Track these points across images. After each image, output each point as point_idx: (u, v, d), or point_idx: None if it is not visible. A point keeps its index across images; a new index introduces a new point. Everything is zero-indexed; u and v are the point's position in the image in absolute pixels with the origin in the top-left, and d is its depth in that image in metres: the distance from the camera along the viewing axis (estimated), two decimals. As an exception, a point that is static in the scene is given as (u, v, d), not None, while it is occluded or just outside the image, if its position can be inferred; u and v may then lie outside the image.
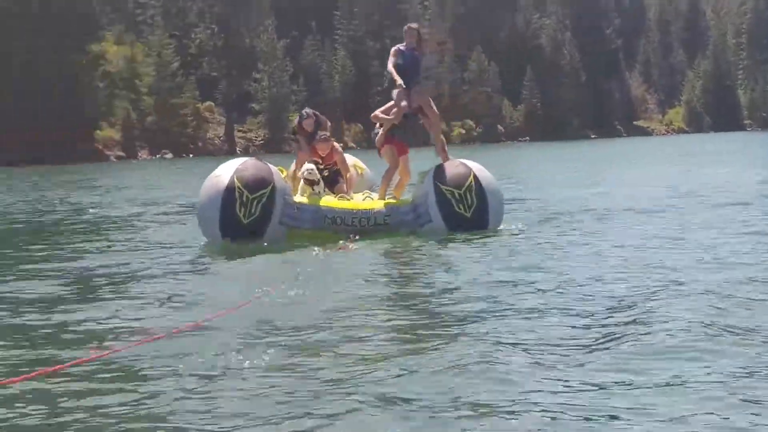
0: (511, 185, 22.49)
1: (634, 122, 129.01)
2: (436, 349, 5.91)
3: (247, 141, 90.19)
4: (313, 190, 12.64)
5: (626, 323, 6.51)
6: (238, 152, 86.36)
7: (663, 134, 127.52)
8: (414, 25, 13.51)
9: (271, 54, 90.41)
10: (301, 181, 12.90)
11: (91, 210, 20.09)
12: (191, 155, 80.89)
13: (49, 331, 6.97)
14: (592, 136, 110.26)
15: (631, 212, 15.14)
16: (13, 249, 13.19)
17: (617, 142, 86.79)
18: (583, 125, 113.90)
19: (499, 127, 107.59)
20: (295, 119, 13.87)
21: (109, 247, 12.72)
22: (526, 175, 30.45)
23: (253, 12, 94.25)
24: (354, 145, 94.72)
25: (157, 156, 79.60)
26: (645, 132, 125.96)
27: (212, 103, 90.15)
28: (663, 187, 21.02)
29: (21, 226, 17.41)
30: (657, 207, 15.89)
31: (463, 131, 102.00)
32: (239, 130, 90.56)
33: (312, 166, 12.76)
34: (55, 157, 64.55)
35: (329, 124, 13.75)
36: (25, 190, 30.67)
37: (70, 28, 75.75)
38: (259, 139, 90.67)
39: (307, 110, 13.69)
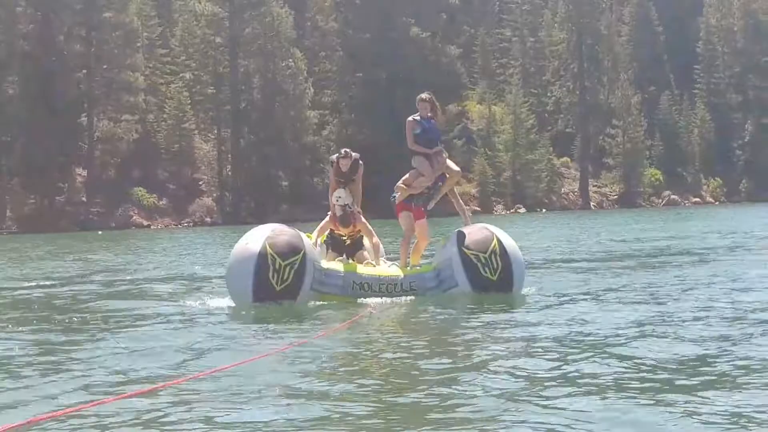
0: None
1: None
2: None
3: (601, 195, 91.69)
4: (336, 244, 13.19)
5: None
6: (592, 207, 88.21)
7: None
8: (425, 96, 13.31)
9: (625, 109, 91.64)
10: (326, 248, 13.29)
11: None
12: (544, 210, 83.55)
13: (151, 348, 8.51)
14: None
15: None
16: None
17: None
18: None
19: None
20: (333, 156, 13.72)
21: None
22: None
23: (609, 68, 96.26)
24: (712, 200, 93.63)
25: (511, 211, 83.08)
26: None
27: (568, 159, 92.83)
28: None
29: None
30: None
31: None
32: (594, 185, 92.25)
33: (343, 193, 13.08)
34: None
35: (361, 168, 13.51)
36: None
37: (436, 88, 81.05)
38: (614, 193, 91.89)
39: (347, 150, 13.57)
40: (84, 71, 71.81)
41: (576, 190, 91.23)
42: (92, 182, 69.41)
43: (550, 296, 12.59)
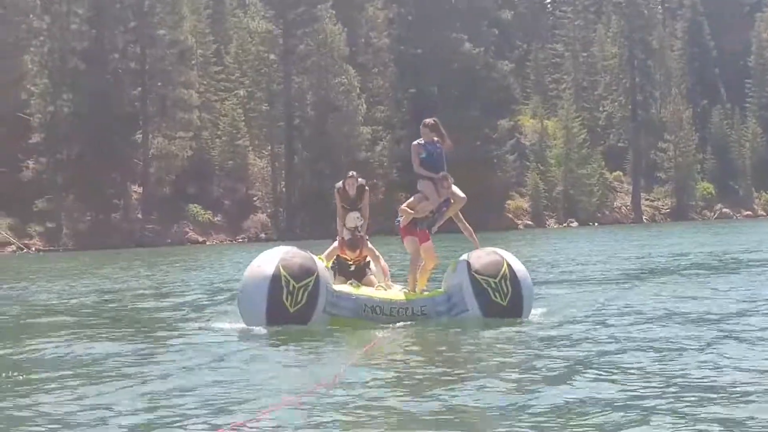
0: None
1: None
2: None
3: (653, 209, 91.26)
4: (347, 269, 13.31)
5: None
6: (644, 220, 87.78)
7: None
8: (428, 122, 13.41)
9: (677, 123, 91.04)
10: (333, 273, 13.30)
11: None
12: (596, 224, 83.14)
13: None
14: None
15: None
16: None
17: None
18: None
19: None
20: (338, 183, 13.85)
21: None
22: None
23: (661, 82, 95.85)
24: (764, 213, 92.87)
25: (563, 225, 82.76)
26: None
27: (620, 173, 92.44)
28: None
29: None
30: None
31: None
32: (646, 199, 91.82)
33: (358, 214, 13.29)
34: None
35: (367, 193, 13.72)
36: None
37: (489, 103, 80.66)
38: (666, 207, 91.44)
39: (353, 173, 13.84)
40: (139, 89, 72.15)
41: (628, 203, 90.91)
42: (147, 199, 69.67)
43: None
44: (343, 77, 74.97)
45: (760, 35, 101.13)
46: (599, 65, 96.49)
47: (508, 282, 12.47)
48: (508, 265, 12.64)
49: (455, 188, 13.12)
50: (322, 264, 12.58)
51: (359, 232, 13.20)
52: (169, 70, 72.27)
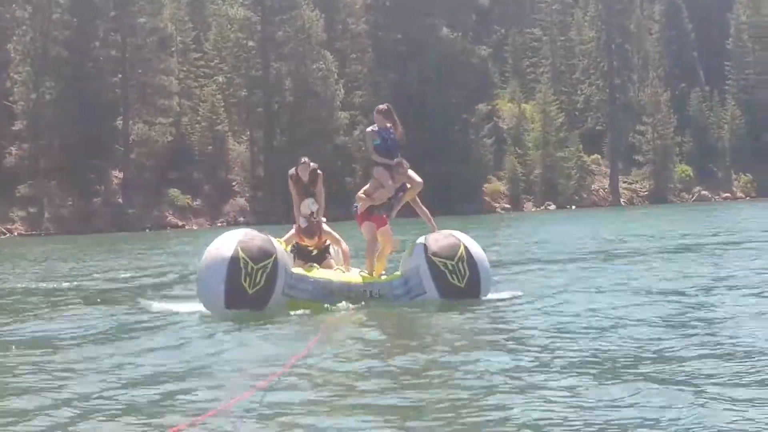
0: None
1: None
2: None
3: (631, 192, 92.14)
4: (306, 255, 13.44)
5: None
6: (623, 203, 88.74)
7: None
8: (382, 108, 13.55)
9: (655, 106, 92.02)
10: (293, 257, 13.40)
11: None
12: (574, 207, 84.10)
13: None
14: None
15: None
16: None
17: None
18: None
19: None
20: (291, 170, 13.76)
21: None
22: None
23: (639, 66, 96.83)
24: (743, 195, 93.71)
25: (541, 208, 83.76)
26: None
27: (598, 156, 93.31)
28: None
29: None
30: None
31: None
32: (624, 182, 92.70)
33: (312, 200, 13.31)
34: (444, 209, 70.50)
35: (320, 178, 13.66)
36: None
37: (467, 88, 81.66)
38: (644, 190, 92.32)
39: (305, 159, 13.70)
40: (119, 76, 73.24)
41: (606, 186, 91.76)
42: (128, 184, 70.87)
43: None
44: (321, 63, 76.02)
45: (739, 17, 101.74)
46: (577, 49, 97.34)
47: (465, 264, 12.52)
48: (465, 247, 12.68)
49: (411, 172, 13.22)
50: (281, 246, 12.61)
51: (315, 218, 13.20)
52: (149, 58, 73.49)
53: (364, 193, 13.18)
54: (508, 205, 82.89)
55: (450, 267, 12.53)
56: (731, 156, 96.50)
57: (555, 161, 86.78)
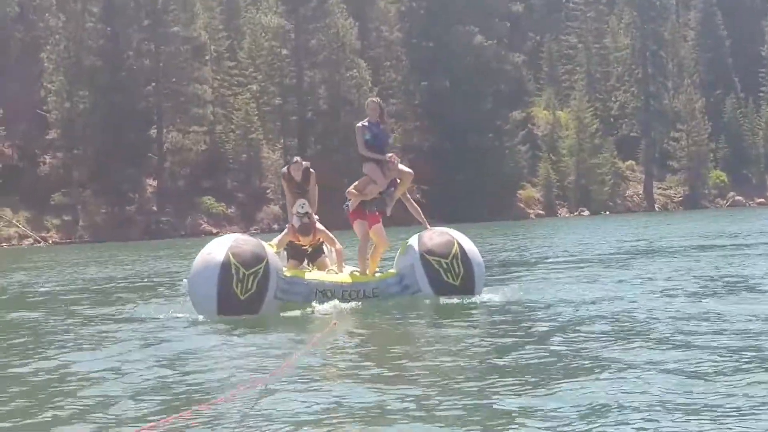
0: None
1: None
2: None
3: (666, 198, 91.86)
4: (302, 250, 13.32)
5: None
6: (657, 209, 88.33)
7: None
8: (375, 99, 13.67)
9: (690, 113, 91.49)
10: (286, 257, 13.37)
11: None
12: (608, 212, 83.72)
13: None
14: None
15: None
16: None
17: None
18: None
19: None
20: (283, 168, 13.85)
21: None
22: None
23: (674, 72, 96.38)
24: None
25: (575, 214, 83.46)
26: None
27: (633, 162, 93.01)
28: None
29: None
30: None
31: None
32: (658, 188, 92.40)
33: (304, 201, 13.09)
34: (476, 216, 70.19)
35: (313, 176, 13.52)
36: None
37: (501, 95, 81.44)
38: (678, 196, 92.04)
39: (297, 158, 13.72)
40: (153, 85, 73.54)
41: (640, 192, 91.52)
42: (162, 192, 71.12)
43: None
44: (355, 71, 75.96)
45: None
46: (612, 56, 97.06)
47: (459, 262, 12.50)
48: (459, 245, 12.66)
49: (401, 166, 13.18)
50: (271, 251, 12.54)
51: (308, 217, 13.03)
52: (183, 67, 73.69)
53: (354, 189, 13.05)
54: (541, 212, 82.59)
55: (444, 265, 12.52)
56: (765, 162, 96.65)
57: (589, 167, 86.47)
